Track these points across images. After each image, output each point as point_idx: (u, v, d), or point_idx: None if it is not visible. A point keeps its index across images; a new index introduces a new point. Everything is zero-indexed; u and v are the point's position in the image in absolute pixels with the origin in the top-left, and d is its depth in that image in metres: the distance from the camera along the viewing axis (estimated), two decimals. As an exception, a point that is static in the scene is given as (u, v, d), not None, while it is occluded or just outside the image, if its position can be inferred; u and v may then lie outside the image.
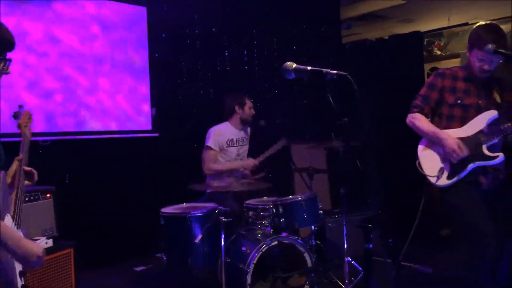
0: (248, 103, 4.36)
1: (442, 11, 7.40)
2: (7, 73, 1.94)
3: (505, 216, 2.84)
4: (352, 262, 3.58)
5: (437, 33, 8.12)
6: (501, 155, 2.80)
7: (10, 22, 4.21)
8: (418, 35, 6.43)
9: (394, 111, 5.86)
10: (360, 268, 3.65)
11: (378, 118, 6.16)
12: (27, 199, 3.48)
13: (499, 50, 2.66)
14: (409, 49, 6.25)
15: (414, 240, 3.74)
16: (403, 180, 5.65)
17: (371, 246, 1.80)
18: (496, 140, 2.82)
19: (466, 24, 6.94)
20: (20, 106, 2.33)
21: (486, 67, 2.84)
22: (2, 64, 1.90)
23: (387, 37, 6.79)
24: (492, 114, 2.86)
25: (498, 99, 2.92)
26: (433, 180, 2.92)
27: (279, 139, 4.32)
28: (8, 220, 1.84)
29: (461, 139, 2.87)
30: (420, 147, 3.08)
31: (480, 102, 2.92)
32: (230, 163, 4.31)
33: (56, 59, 4.58)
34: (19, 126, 2.26)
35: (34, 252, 1.70)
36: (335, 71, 2.09)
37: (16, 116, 2.28)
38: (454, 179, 2.87)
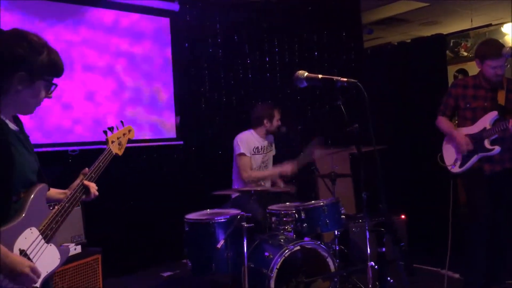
0: (277, 116, 4.37)
1: (465, 12, 7.30)
2: (49, 97, 1.90)
3: (506, 205, 3.54)
4: (376, 266, 3.56)
5: (463, 34, 7.99)
6: (497, 147, 3.43)
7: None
8: (440, 37, 6.37)
9: (418, 114, 5.86)
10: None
11: (400, 121, 6.14)
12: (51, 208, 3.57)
13: None
14: (432, 52, 6.20)
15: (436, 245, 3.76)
16: (427, 181, 5.65)
17: (383, 249, 1.82)
18: (496, 135, 3.43)
19: (490, 25, 6.83)
20: (122, 122, 2.27)
21: (499, 71, 3.44)
22: (48, 89, 1.86)
23: (409, 41, 6.75)
24: (493, 114, 3.47)
25: (503, 99, 3.48)
26: (449, 167, 3.66)
27: (310, 141, 4.27)
28: (31, 232, 1.75)
29: (469, 135, 3.54)
30: (444, 142, 3.78)
31: (486, 104, 3.54)
32: (270, 170, 4.34)
33: (81, 71, 4.73)
34: (106, 141, 2.16)
35: (18, 269, 1.62)
36: (345, 79, 2.09)
37: (106, 131, 2.18)
38: (464, 167, 3.57)
